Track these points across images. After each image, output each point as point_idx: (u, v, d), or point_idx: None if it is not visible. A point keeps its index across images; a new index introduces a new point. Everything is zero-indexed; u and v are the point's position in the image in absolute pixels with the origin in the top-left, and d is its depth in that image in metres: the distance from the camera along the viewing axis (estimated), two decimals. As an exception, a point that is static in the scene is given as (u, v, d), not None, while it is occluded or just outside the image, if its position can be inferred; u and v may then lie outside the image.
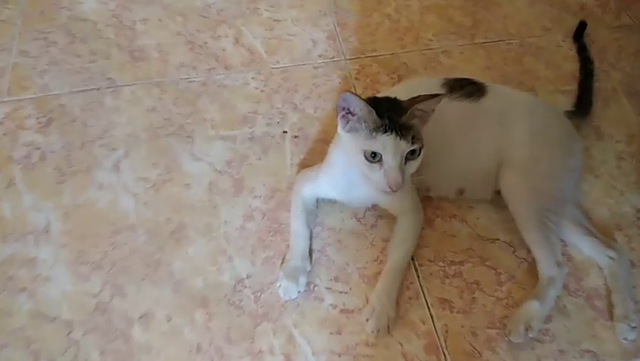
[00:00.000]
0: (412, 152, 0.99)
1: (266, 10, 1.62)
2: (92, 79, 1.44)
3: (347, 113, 1.00)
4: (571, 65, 1.52)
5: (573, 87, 1.46)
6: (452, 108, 1.20)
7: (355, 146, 1.00)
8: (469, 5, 1.67)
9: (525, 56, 1.54)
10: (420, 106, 0.99)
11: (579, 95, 1.41)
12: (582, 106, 1.38)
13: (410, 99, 1.00)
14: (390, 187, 0.98)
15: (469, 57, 1.53)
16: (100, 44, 1.51)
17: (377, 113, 0.97)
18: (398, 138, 0.96)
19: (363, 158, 0.99)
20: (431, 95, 0.99)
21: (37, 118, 1.35)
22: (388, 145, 0.97)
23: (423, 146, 1.01)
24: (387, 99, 1.03)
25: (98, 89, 1.42)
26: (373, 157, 0.98)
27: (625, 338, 1.06)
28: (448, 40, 1.58)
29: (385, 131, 0.97)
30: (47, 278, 1.11)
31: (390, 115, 0.98)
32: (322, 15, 1.61)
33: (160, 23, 1.57)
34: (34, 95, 1.40)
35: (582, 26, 1.57)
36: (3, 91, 1.40)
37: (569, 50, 1.55)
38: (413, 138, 0.98)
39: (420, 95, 0.99)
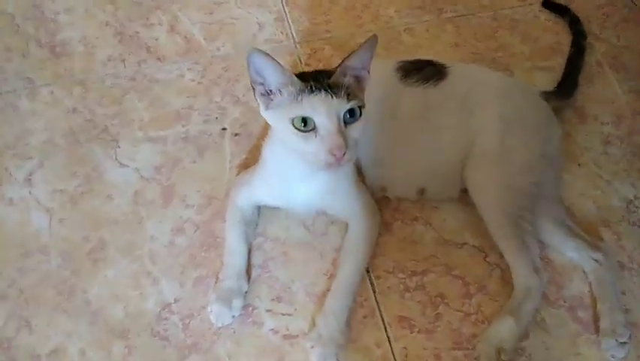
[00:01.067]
0: (352, 113, 0.84)
1: (206, -9, 1.46)
2: (6, 80, 1.29)
3: (267, 92, 0.86)
4: (549, 38, 1.36)
5: (552, 63, 1.31)
6: (408, 95, 1.05)
7: (281, 119, 0.85)
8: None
9: (498, 30, 1.38)
10: (349, 61, 0.85)
11: (565, 74, 1.24)
12: (566, 86, 1.22)
13: (340, 65, 0.86)
14: (332, 154, 0.82)
15: (436, 34, 1.38)
16: (17, 40, 1.36)
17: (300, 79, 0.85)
18: (329, 96, 0.82)
19: (293, 129, 0.84)
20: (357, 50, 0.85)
21: (-57, 127, 1.21)
22: (319, 104, 0.82)
23: (364, 105, 0.86)
24: (315, 70, 0.90)
25: (12, 91, 1.27)
26: (305, 125, 0.83)
27: (613, 356, 0.92)
28: (411, 16, 1.42)
29: (312, 92, 0.82)
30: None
31: (316, 77, 0.85)
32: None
33: (86, 13, 1.41)
34: (-60, 101, 1.25)
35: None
36: None
37: (547, 20, 1.40)
38: (348, 95, 0.83)
39: (347, 57, 0.86)
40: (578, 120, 1.22)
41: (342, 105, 0.83)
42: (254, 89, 0.86)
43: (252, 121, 1.22)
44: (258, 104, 0.88)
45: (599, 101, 1.25)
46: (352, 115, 0.85)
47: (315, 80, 0.84)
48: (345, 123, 0.84)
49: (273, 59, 0.82)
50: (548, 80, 1.26)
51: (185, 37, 1.37)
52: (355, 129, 0.86)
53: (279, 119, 0.86)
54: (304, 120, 0.83)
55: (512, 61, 1.32)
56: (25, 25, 1.38)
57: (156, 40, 1.36)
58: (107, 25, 1.39)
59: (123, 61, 1.32)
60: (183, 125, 1.21)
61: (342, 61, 0.86)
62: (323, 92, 0.82)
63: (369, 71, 0.88)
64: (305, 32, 1.38)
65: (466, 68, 1.13)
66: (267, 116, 0.88)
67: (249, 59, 0.82)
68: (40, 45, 1.35)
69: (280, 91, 0.85)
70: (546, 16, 1.41)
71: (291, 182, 0.97)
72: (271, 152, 0.96)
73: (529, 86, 1.19)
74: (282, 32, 1.38)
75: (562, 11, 1.39)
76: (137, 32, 1.37)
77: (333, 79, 0.85)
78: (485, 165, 1.02)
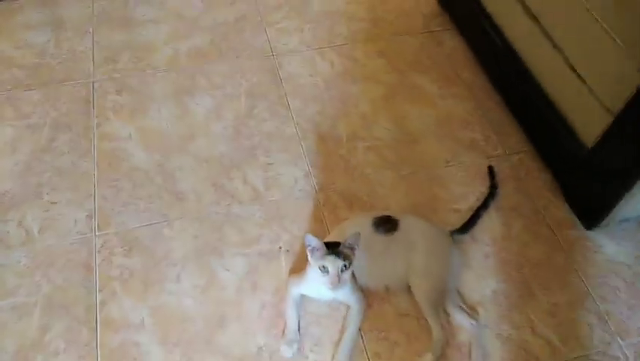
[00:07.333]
0: (345, 267, 1.96)
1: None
2: (153, 216, 2.37)
3: (312, 249, 1.98)
4: (459, 189, 2.51)
5: (461, 206, 2.46)
6: (377, 239, 2.19)
7: (314, 264, 1.97)
8: (398, 144, 2.66)
9: (431, 183, 2.54)
10: (343, 247, 1.96)
11: (469, 219, 2.37)
12: (466, 227, 2.36)
13: (343, 242, 1.98)
14: (332, 286, 1.96)
15: (396, 186, 2.52)
16: (152, 189, 2.44)
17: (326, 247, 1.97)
18: (337, 258, 1.94)
19: (318, 270, 1.96)
20: (351, 236, 1.97)
21: (122, 247, 2.27)
22: (330, 262, 1.94)
23: (351, 263, 1.97)
24: (333, 242, 2.00)
25: (157, 223, 2.36)
26: (323, 269, 1.96)
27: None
28: (380, 174, 2.56)
29: (330, 255, 1.94)
30: (147, 352, 2.06)
31: (333, 248, 1.96)
32: (299, 158, 2.58)
33: (192, 171, 2.51)
34: (117, 230, 2.32)
35: (491, 170, 2.56)
36: (95, 228, 2.33)
37: (462, 177, 2.54)
38: (345, 259, 1.94)
39: (346, 240, 1.98)
40: (471, 241, 2.35)
41: (341, 264, 1.94)
42: (306, 249, 1.99)
43: (296, 243, 2.34)
44: (307, 255, 2.01)
45: (484, 231, 2.41)
46: (346, 267, 1.97)
47: (332, 249, 1.95)
48: (342, 271, 1.97)
49: (317, 239, 1.95)
50: (457, 218, 2.41)
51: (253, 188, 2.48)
52: (346, 274, 1.97)
53: (313, 264, 1.99)
54: (324, 267, 1.96)
55: (438, 205, 2.46)
56: (155, 178, 2.47)
57: (237, 189, 2.47)
58: (206, 179, 2.49)
59: (218, 204, 2.43)
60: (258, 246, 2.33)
61: (344, 241, 1.97)
62: (334, 255, 1.94)
63: (356, 247, 2.00)
64: (320, 184, 2.51)
65: (409, 220, 2.26)
66: (310, 260, 2.01)
67: (307, 238, 1.95)
68: (168, 192, 2.44)
69: (317, 250, 1.97)
70: (458, 173, 2.57)
71: (319, 286, 2.08)
72: (310, 271, 2.08)
73: (444, 229, 2.33)
74: (309, 185, 2.51)
75: (492, 179, 2.52)
76: (224, 184, 2.49)
77: (339, 250, 1.95)
78: (418, 276, 2.16)
